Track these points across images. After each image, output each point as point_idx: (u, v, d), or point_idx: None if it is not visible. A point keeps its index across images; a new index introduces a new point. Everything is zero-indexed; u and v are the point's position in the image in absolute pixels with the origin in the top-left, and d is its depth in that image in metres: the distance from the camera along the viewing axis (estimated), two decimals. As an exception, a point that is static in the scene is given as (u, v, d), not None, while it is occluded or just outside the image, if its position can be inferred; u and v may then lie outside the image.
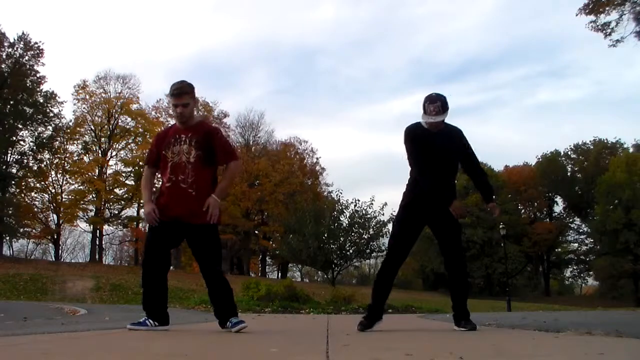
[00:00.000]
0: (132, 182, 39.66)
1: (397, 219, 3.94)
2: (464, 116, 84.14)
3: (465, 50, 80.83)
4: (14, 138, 34.45)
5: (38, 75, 34.72)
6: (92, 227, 38.97)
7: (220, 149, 3.60)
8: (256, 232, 44.98)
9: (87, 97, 38.69)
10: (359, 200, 31.24)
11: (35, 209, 37.32)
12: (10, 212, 33.37)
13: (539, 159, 54.54)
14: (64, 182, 38.16)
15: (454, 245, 3.75)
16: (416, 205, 3.74)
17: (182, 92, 3.54)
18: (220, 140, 3.68)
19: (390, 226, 20.26)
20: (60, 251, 42.11)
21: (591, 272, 50.84)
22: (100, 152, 39.37)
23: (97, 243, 39.98)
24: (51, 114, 35.65)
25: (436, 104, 3.61)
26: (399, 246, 3.82)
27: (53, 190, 37.84)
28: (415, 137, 3.75)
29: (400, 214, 3.90)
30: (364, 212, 28.40)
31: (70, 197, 37.82)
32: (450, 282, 3.79)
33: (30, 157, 36.24)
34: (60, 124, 36.47)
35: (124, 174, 39.97)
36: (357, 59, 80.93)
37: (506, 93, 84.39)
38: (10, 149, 34.53)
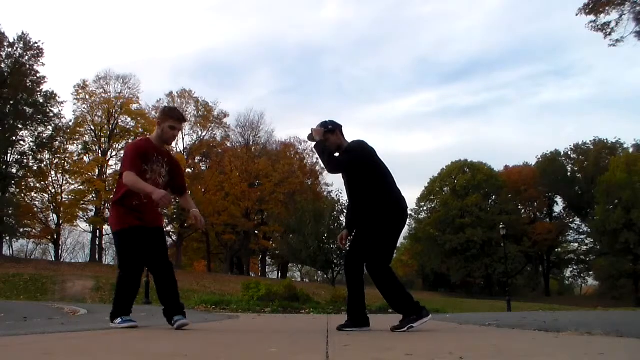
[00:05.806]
0: (132, 182, 39.64)
1: None
2: (467, 116, 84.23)
3: (469, 50, 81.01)
4: (14, 138, 34.47)
5: (38, 75, 34.78)
6: (92, 227, 39.04)
7: (183, 176, 4.10)
8: (256, 232, 44.96)
9: (87, 97, 38.78)
10: (359, 200, 31.31)
11: (35, 209, 37.36)
12: (10, 212, 33.39)
13: (539, 159, 54.61)
14: (64, 182, 38.27)
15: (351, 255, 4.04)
16: None
17: (184, 120, 3.95)
18: (181, 169, 4.15)
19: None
20: (60, 251, 42.20)
21: (591, 272, 50.85)
22: (100, 152, 39.41)
23: (97, 243, 40.04)
24: (51, 114, 35.71)
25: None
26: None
27: (53, 190, 37.90)
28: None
29: None
30: (364, 212, 28.35)
31: (70, 197, 37.88)
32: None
33: (30, 157, 36.26)
34: (60, 124, 36.55)
35: (124, 174, 39.96)
36: (361, 59, 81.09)
37: (509, 93, 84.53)
38: (10, 149, 34.54)
